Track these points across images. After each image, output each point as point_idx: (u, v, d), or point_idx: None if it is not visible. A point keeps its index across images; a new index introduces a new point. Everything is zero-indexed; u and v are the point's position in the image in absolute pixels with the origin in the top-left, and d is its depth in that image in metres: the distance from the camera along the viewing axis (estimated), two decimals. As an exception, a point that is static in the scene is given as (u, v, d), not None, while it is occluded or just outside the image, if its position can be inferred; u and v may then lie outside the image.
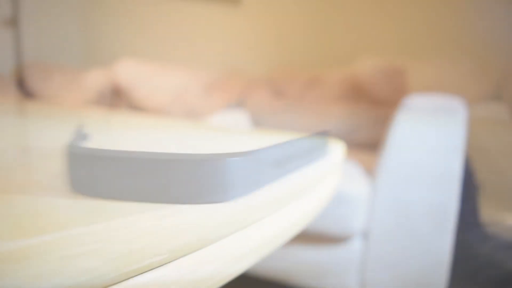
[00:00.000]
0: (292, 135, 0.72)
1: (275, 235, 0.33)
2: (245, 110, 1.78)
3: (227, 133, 0.65)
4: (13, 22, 2.39)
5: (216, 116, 1.69)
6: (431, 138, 1.00)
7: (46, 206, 0.19)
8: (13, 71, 2.39)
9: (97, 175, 0.17)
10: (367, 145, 1.60)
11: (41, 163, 0.29)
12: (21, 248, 0.14)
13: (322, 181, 0.46)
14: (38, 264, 0.15)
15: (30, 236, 0.15)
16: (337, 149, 0.56)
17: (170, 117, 1.80)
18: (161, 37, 2.42)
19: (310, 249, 1.10)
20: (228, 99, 1.81)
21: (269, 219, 0.32)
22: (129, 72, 1.91)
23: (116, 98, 1.99)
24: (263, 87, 1.77)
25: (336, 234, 1.04)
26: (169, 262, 0.21)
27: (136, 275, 0.19)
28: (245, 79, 2.14)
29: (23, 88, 2.15)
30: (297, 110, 1.67)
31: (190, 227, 0.22)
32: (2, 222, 0.17)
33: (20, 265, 0.14)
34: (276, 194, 0.31)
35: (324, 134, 0.28)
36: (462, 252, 1.41)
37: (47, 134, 0.44)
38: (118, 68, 1.95)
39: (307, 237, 1.11)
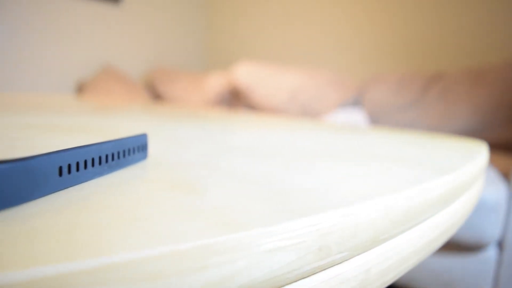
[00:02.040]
0: (411, 134, 0.68)
1: (431, 239, 0.32)
2: (361, 108, 1.74)
3: (342, 131, 0.64)
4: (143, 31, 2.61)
5: (331, 114, 1.67)
6: None
7: (249, 200, 0.20)
8: (143, 76, 2.61)
9: None
10: (499, 145, 1.47)
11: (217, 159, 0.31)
12: (226, 241, 0.15)
13: (472, 185, 0.43)
14: (240, 257, 0.16)
15: (235, 230, 0.16)
16: (481, 151, 0.52)
17: (286, 116, 1.83)
18: (278, 38, 2.47)
19: (440, 256, 1.04)
20: (344, 98, 1.78)
21: (427, 222, 0.31)
22: (247, 74, 1.97)
23: (235, 99, 2.07)
24: (382, 85, 1.71)
25: (469, 242, 0.97)
26: (346, 260, 0.21)
27: (320, 271, 0.20)
28: (362, 77, 2.09)
29: (152, 91, 2.33)
30: (419, 108, 1.59)
31: (367, 226, 0.21)
32: (210, 216, 0.18)
33: (224, 258, 0.15)
34: (435, 195, 0.30)
35: (141, 137, 0.26)
36: None
37: (182, 131, 0.47)
38: (237, 71, 2.03)
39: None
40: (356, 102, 1.78)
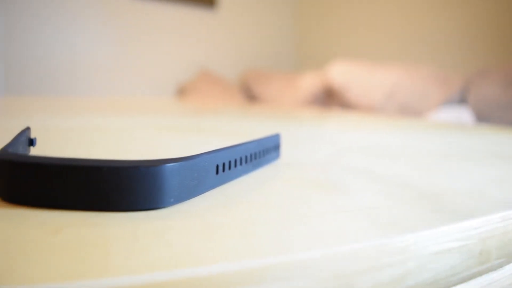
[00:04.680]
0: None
1: None
2: (467, 106, 1.63)
3: (445, 129, 0.60)
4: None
5: (434, 113, 1.59)
6: None
7: (399, 201, 0.20)
8: (238, 78, 2.69)
9: (19, 182, 0.17)
10: None
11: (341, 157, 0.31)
12: (396, 242, 0.15)
13: None
14: (410, 259, 0.15)
15: (402, 232, 0.16)
16: None
17: (383, 115, 1.76)
18: (371, 34, 2.40)
19: None
20: (447, 95, 1.69)
21: None
22: (341, 73, 1.95)
23: (329, 98, 2.05)
24: (489, 80, 1.59)
25: None
26: (502, 267, 0.20)
27: (477, 277, 0.19)
28: (467, 72, 1.96)
29: (247, 92, 2.39)
30: (534, 105, 1.45)
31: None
32: (369, 217, 0.18)
33: (396, 259, 0.15)
34: None
35: (275, 137, 0.28)
36: None
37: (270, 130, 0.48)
38: (331, 70, 2.01)
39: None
40: (461, 99, 1.67)
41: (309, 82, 2.06)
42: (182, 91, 2.30)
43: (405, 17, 2.21)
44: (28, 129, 0.29)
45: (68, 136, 0.37)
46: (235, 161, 0.22)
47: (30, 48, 2.02)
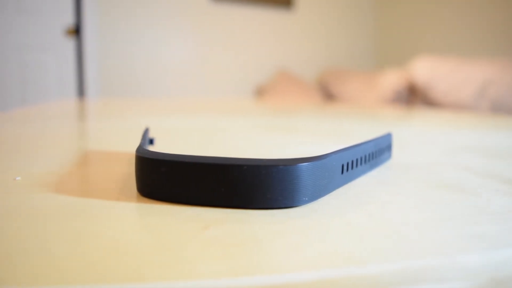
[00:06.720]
0: None
1: None
2: None
3: None
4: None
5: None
6: None
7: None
8: (315, 77, 2.67)
9: (162, 179, 0.18)
10: None
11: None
12: None
13: None
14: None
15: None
16: None
17: (475, 113, 1.66)
18: (454, 29, 2.28)
19: None
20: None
21: None
22: (426, 69, 1.87)
23: (412, 96, 1.97)
24: None
25: None
26: None
27: None
28: None
29: (325, 92, 2.37)
30: None
31: None
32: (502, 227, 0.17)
33: None
34: None
35: (387, 137, 0.27)
36: None
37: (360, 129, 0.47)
38: (414, 67, 1.94)
39: None
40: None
41: (391, 80, 1.99)
42: (260, 92, 2.33)
43: (495, 8, 2.07)
44: (148, 129, 0.31)
45: (177, 135, 0.39)
46: (357, 160, 0.22)
47: (121, 53, 2.16)
